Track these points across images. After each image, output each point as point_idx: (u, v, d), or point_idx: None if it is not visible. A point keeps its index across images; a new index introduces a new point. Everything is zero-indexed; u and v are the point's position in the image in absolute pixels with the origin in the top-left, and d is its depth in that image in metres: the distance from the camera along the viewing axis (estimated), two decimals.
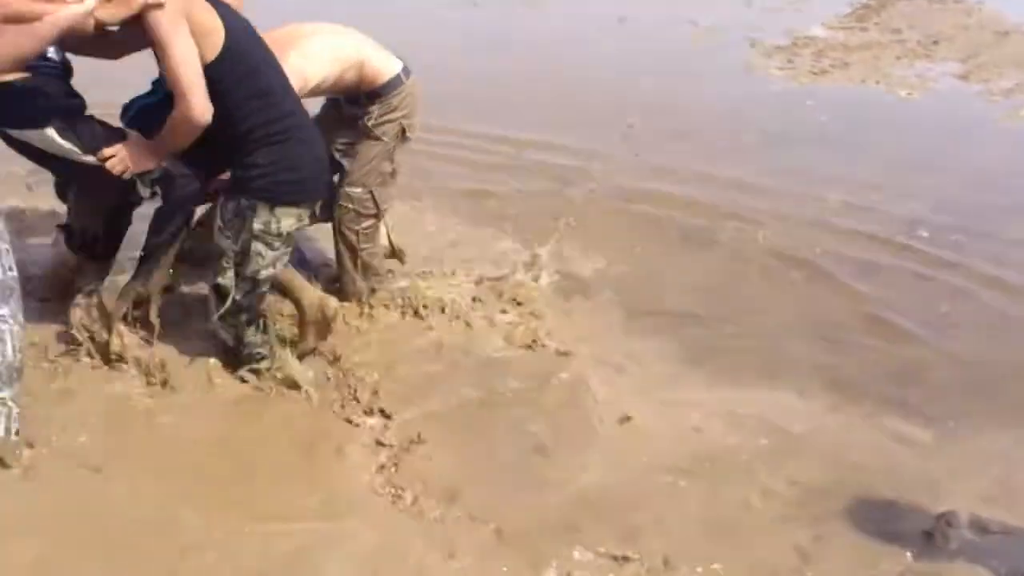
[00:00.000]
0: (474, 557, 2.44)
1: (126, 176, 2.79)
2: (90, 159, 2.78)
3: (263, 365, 3.03)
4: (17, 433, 2.58)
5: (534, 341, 3.38)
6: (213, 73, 2.70)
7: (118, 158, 2.77)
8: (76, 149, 2.77)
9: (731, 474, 2.80)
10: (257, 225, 2.85)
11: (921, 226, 4.49)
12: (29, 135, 2.77)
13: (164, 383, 2.96)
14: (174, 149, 2.81)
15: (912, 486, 2.79)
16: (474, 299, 3.60)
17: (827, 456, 2.90)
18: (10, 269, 2.46)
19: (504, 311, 3.57)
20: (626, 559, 2.46)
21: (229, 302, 2.93)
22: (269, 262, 2.92)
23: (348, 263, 3.43)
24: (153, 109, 3.10)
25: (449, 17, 7.72)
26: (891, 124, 6.01)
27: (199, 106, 2.65)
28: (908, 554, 2.54)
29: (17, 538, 2.35)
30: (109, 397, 2.90)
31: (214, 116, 2.70)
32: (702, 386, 3.22)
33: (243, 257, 2.88)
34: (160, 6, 2.59)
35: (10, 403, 2.54)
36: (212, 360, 3.06)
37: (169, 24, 2.61)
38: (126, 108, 3.18)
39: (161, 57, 2.65)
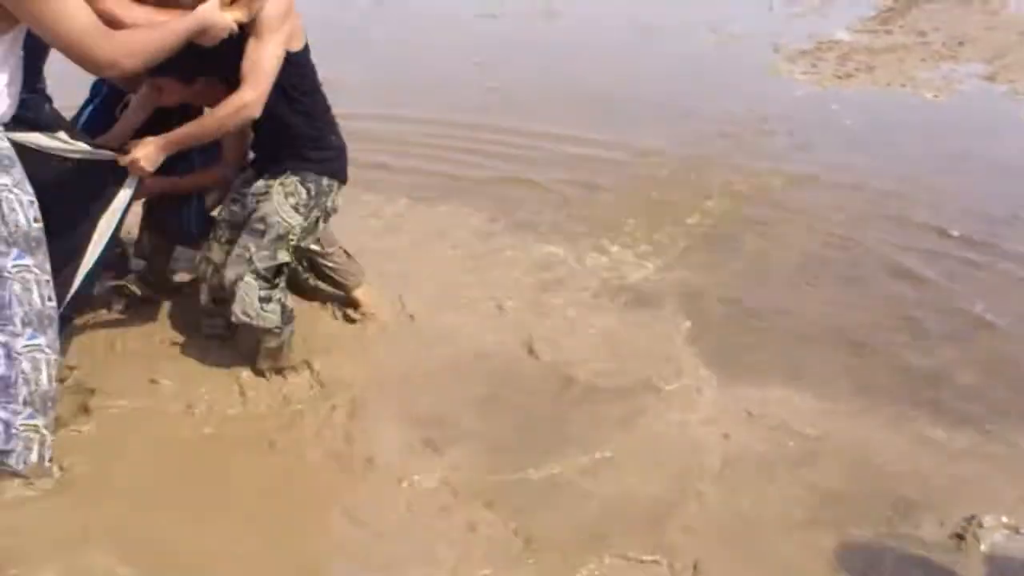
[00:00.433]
0: (504, 565, 2.45)
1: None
2: (107, 154, 2.69)
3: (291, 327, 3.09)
4: (50, 460, 2.61)
5: (556, 347, 3.40)
6: (302, 59, 2.84)
7: (144, 159, 2.70)
8: (90, 148, 2.67)
9: (759, 480, 2.79)
10: (329, 203, 3.01)
11: (951, 226, 4.45)
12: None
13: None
14: (203, 135, 2.78)
15: (943, 489, 2.77)
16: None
17: (855, 460, 2.89)
18: (49, 299, 2.46)
19: (528, 315, 3.60)
20: (655, 564, 2.46)
21: (284, 273, 3.00)
22: (318, 235, 3.12)
23: (324, 275, 3.44)
24: (102, 108, 3.13)
25: (475, 27, 7.82)
26: (917, 126, 5.98)
27: (261, 100, 2.70)
28: (938, 558, 2.52)
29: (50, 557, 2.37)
30: (143, 416, 2.92)
31: (302, 101, 2.86)
32: (730, 388, 3.21)
33: (306, 233, 2.98)
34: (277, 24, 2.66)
35: (43, 431, 2.55)
36: (244, 372, 3.11)
37: (277, 20, 2.67)
38: (75, 119, 3.17)
39: (254, 45, 2.66)
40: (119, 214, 2.73)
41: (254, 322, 2.98)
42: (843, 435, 3.00)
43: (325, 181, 2.96)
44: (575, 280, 3.89)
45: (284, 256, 2.96)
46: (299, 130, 2.89)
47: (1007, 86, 6.73)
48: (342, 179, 3.03)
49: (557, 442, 2.91)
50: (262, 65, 2.67)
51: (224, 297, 3.09)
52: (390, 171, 4.89)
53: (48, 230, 2.44)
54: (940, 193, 4.83)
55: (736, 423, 3.04)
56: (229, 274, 2.96)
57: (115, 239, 2.78)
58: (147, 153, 2.69)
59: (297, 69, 2.82)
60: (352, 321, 3.48)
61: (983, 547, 2.55)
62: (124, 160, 2.69)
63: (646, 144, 5.44)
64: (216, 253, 3.08)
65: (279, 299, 3.01)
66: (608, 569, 2.45)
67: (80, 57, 2.28)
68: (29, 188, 2.36)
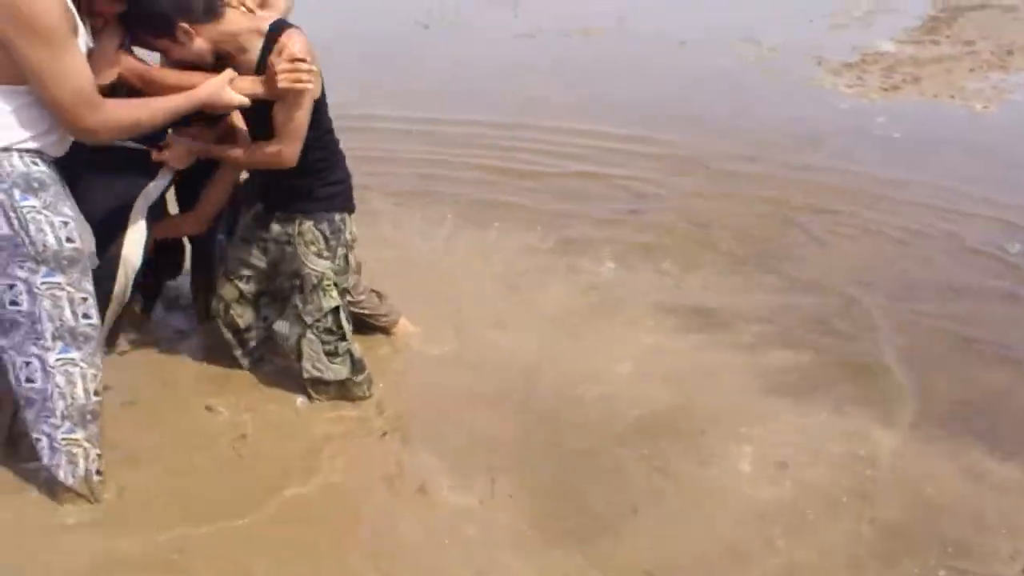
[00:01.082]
0: None
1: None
2: (141, 147, 2.79)
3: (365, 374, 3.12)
4: (99, 473, 2.65)
5: (608, 374, 3.34)
6: (320, 106, 2.84)
7: (175, 157, 2.81)
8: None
9: (820, 515, 2.70)
10: (348, 236, 3.01)
11: (1011, 241, 4.35)
12: None
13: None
14: (234, 163, 2.94)
15: (1006, 522, 2.67)
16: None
17: (915, 492, 2.78)
18: (85, 317, 2.51)
19: (580, 340, 3.54)
20: None
21: (346, 320, 3.02)
22: (356, 268, 3.08)
23: (362, 320, 3.39)
24: None
25: (515, 45, 7.83)
26: (967, 139, 5.84)
27: (297, 152, 2.78)
28: None
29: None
30: (199, 441, 2.94)
31: (314, 144, 2.84)
32: (785, 416, 3.13)
33: (339, 272, 2.98)
34: (306, 91, 2.68)
35: (85, 444, 2.59)
36: (297, 399, 3.12)
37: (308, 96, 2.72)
38: None
39: (283, 108, 2.71)
40: (153, 198, 2.84)
41: (325, 375, 3.03)
42: (903, 466, 2.90)
43: (336, 217, 2.96)
44: (628, 300, 3.83)
45: (331, 301, 2.97)
46: (309, 171, 2.89)
47: None
48: (350, 209, 3.03)
49: (611, 479, 2.84)
50: (296, 123, 2.72)
51: (243, 338, 3.19)
52: (447, 167, 5.07)
53: (89, 210, 2.55)
54: (995, 204, 4.73)
55: (798, 454, 2.94)
56: (292, 335, 3.04)
57: (151, 231, 2.86)
58: (179, 153, 2.81)
59: (314, 115, 2.81)
60: (398, 349, 3.46)
61: None
62: (157, 155, 2.80)
63: (690, 157, 5.41)
64: (228, 291, 3.13)
65: (346, 350, 3.04)
66: None
67: (64, 119, 2.34)
68: (64, 210, 2.43)
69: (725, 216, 4.62)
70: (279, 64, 2.61)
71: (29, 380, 2.50)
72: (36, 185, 2.37)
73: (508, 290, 3.91)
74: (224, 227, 3.30)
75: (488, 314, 3.71)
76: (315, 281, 2.95)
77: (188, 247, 3.43)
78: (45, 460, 2.59)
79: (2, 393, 2.70)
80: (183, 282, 3.58)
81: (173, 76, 2.62)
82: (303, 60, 2.62)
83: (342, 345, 3.03)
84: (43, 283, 2.41)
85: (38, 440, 2.58)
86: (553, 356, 3.43)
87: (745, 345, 3.54)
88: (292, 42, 2.63)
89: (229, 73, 2.62)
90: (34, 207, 2.36)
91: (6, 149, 2.32)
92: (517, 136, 5.65)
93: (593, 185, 5.03)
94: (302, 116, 2.72)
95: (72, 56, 2.28)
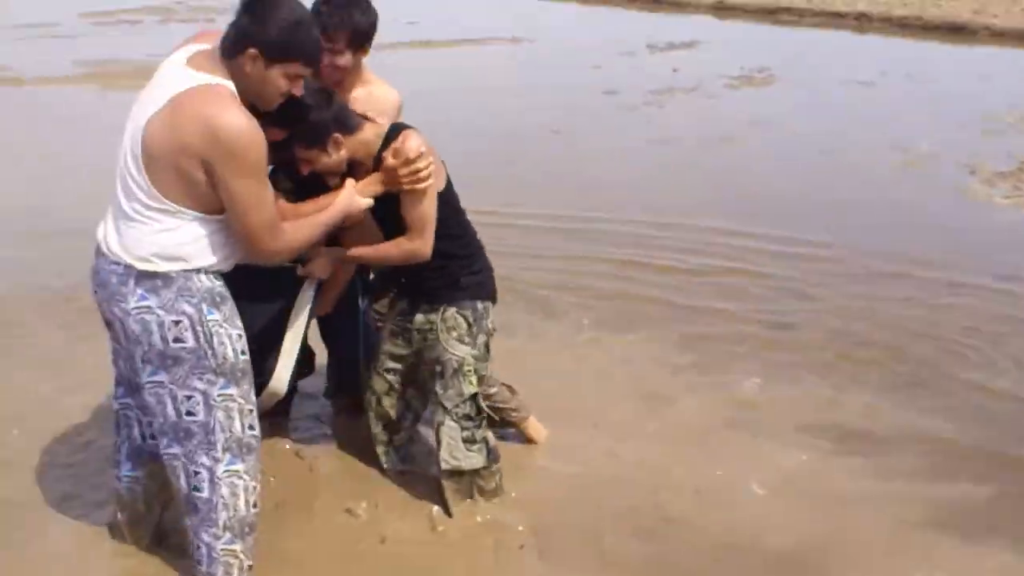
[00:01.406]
0: None
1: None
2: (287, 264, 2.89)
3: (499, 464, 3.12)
4: None
5: (742, 494, 3.20)
6: (449, 198, 2.95)
7: (319, 269, 2.92)
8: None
9: None
10: (488, 324, 3.01)
11: None
12: None
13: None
14: (371, 262, 3.06)
15: None
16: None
17: None
18: (250, 428, 2.60)
19: (716, 455, 3.41)
20: None
21: (484, 407, 3.05)
22: (490, 359, 3.08)
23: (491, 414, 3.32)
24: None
25: (650, 152, 7.81)
26: None
27: (429, 244, 2.86)
28: None
29: None
30: (339, 543, 2.96)
31: (451, 232, 2.94)
32: (953, 555, 2.91)
33: (478, 359, 3.01)
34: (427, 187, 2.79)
35: (241, 555, 2.64)
36: (433, 508, 3.09)
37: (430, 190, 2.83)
38: None
39: (411, 200, 2.81)
40: (304, 314, 2.92)
41: (463, 464, 3.03)
42: None
43: (480, 305, 3.01)
44: (773, 417, 3.68)
45: (470, 387, 3.00)
46: (451, 260, 2.97)
47: None
48: (494, 299, 3.08)
49: None
50: (422, 216, 2.82)
51: (394, 429, 3.22)
52: (584, 262, 5.10)
53: (248, 327, 2.62)
54: None
55: None
56: (433, 423, 3.07)
57: (305, 340, 2.94)
58: (321, 264, 2.93)
59: (443, 206, 2.90)
60: (530, 455, 3.41)
61: None
62: (302, 271, 2.91)
63: (840, 259, 5.26)
64: (378, 383, 3.19)
65: (483, 438, 3.05)
66: None
67: (252, 244, 2.48)
68: (238, 323, 2.57)
69: (883, 328, 4.44)
70: (401, 169, 2.73)
71: (196, 489, 2.58)
72: (219, 300, 2.52)
73: (644, 400, 3.83)
74: (361, 293, 3.34)
75: (622, 426, 3.64)
76: (455, 366, 2.98)
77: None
78: (203, 567, 2.65)
79: (154, 493, 2.81)
80: (318, 381, 3.63)
81: (305, 207, 2.74)
82: (418, 159, 2.73)
83: (479, 432, 3.03)
84: (219, 395, 2.52)
85: (197, 547, 2.64)
86: (690, 474, 3.32)
87: (908, 472, 3.34)
88: (407, 141, 2.74)
89: (351, 182, 2.77)
90: (217, 320, 2.49)
91: (197, 270, 2.47)
92: (656, 234, 5.65)
93: (738, 284, 4.95)
94: (427, 209, 2.82)
95: (267, 187, 2.45)
